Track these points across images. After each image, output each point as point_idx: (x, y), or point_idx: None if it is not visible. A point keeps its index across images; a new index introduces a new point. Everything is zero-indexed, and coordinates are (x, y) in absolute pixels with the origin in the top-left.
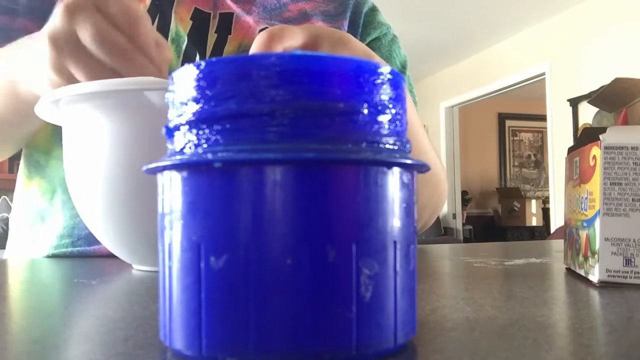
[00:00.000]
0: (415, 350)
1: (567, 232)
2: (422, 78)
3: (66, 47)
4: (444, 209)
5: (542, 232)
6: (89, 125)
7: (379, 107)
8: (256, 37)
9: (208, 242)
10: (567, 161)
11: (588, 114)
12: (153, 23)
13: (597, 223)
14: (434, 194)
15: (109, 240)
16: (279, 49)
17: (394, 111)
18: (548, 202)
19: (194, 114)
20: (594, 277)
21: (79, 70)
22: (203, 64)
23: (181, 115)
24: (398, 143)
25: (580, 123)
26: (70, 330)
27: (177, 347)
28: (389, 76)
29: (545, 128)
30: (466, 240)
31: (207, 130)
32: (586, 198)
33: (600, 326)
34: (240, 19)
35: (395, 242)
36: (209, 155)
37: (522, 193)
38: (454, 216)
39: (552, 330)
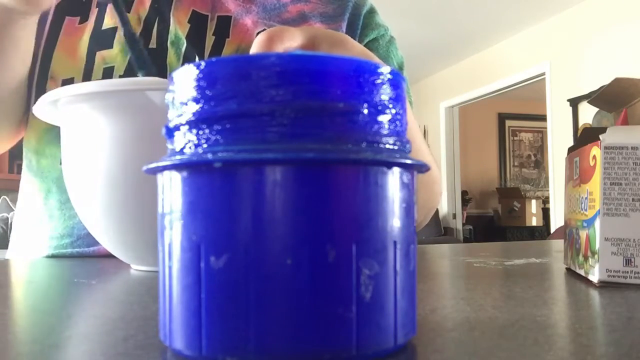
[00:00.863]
0: (415, 350)
1: (567, 232)
2: (422, 78)
3: None
4: (444, 209)
5: (542, 232)
6: (88, 125)
7: (379, 107)
8: (255, 38)
9: (208, 242)
10: (567, 161)
11: (588, 114)
12: (152, 27)
13: (597, 223)
14: (429, 195)
15: (108, 241)
16: (278, 50)
17: (394, 111)
18: (548, 202)
19: (194, 114)
20: (594, 277)
21: None
22: (203, 64)
23: (181, 115)
24: (398, 143)
25: (580, 123)
26: (70, 330)
27: (177, 347)
28: (389, 76)
29: (545, 128)
30: (466, 240)
31: (207, 130)
32: (586, 198)
33: (600, 326)
34: (238, 22)
35: (395, 242)
36: (209, 155)
37: (522, 193)
38: (454, 216)
39: (552, 330)
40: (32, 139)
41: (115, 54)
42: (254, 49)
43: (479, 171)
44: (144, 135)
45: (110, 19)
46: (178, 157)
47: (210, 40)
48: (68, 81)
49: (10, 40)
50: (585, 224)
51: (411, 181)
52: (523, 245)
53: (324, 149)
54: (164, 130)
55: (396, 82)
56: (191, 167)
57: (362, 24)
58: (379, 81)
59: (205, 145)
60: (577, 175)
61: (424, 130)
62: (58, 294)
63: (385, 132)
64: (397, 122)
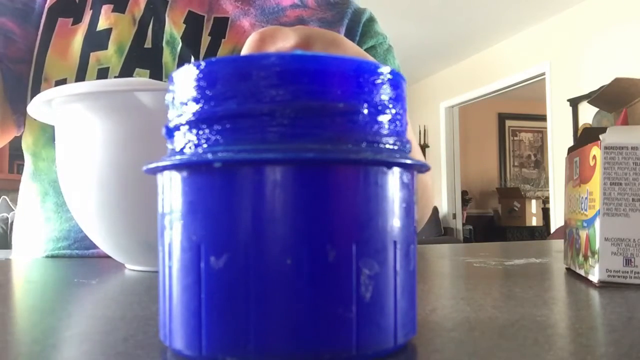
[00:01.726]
0: (415, 350)
1: (567, 232)
2: (422, 78)
3: None
4: (444, 209)
5: (542, 232)
6: (81, 125)
7: (379, 107)
8: (248, 37)
9: (208, 242)
10: (567, 161)
11: (588, 114)
12: (147, 26)
13: (597, 223)
14: (420, 200)
15: (101, 240)
16: (271, 49)
17: (394, 111)
18: (548, 202)
19: (194, 114)
20: (594, 277)
21: None
22: (203, 64)
23: (181, 115)
24: (398, 143)
25: (580, 123)
26: (70, 330)
27: (177, 347)
28: (389, 76)
29: (545, 128)
30: (466, 240)
31: (207, 130)
32: (586, 198)
33: (600, 326)
34: (235, 23)
35: (395, 242)
36: (209, 155)
37: (522, 193)
38: (454, 216)
39: (552, 330)
40: (29, 142)
41: (110, 54)
42: (246, 49)
43: (479, 171)
44: (136, 135)
45: (105, 20)
46: (178, 157)
47: (206, 40)
48: (61, 82)
49: None
50: (585, 224)
51: (411, 181)
52: (523, 245)
53: (324, 149)
54: (164, 130)
55: (396, 82)
56: (191, 167)
57: (361, 32)
58: (379, 81)
59: (205, 145)
60: (577, 175)
61: (424, 130)
62: (58, 294)
63: (385, 132)
64: (397, 122)
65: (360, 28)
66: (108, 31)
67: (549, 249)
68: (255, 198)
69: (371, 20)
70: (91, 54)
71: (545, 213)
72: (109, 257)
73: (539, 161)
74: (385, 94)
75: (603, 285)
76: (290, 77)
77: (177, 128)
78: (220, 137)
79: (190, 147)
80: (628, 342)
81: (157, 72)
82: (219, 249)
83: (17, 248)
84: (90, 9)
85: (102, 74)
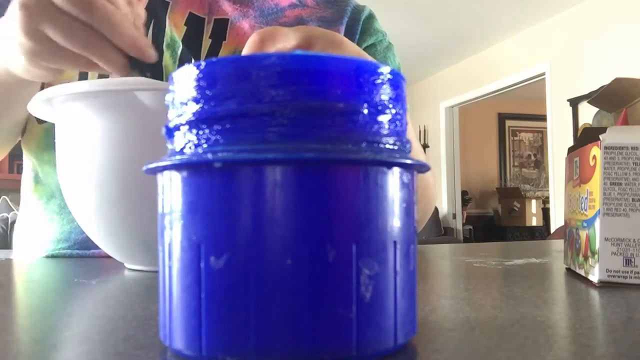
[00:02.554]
0: (415, 350)
1: (567, 232)
2: (422, 78)
3: (38, 8)
4: (444, 209)
5: (542, 232)
6: (81, 124)
7: (379, 107)
8: (249, 38)
9: (208, 242)
10: (567, 161)
11: (588, 114)
12: (147, 28)
13: (597, 223)
14: (421, 199)
15: (101, 239)
16: (271, 50)
17: (394, 111)
18: (548, 202)
19: (194, 114)
20: (594, 277)
21: (53, 29)
22: (203, 64)
23: (181, 115)
24: (398, 143)
25: (580, 123)
26: (70, 330)
27: (177, 347)
28: (389, 76)
29: (545, 128)
30: (466, 240)
31: (207, 130)
32: (586, 198)
33: (600, 326)
34: (235, 24)
35: (395, 242)
36: (209, 155)
37: (522, 193)
38: (454, 216)
39: (552, 330)
40: (32, 145)
41: None
42: (247, 50)
43: (479, 171)
44: (136, 134)
45: None
46: (178, 157)
47: (206, 43)
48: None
49: (16, 99)
50: (585, 224)
51: (411, 181)
52: (523, 245)
53: (324, 149)
54: (164, 130)
55: (396, 82)
56: (191, 167)
57: (360, 29)
58: (379, 81)
59: (205, 145)
60: (577, 175)
61: (424, 130)
62: (58, 294)
63: (385, 132)
64: (397, 122)
65: (360, 26)
66: None
67: (549, 249)
68: (255, 198)
69: (371, 17)
70: None
71: (545, 213)
72: (109, 257)
73: (539, 161)
74: (385, 94)
75: (603, 285)
76: (290, 77)
77: (177, 128)
78: (220, 137)
79: (190, 147)
80: (628, 342)
81: (158, 75)
82: (219, 249)
83: (18, 248)
84: None
85: (104, 77)
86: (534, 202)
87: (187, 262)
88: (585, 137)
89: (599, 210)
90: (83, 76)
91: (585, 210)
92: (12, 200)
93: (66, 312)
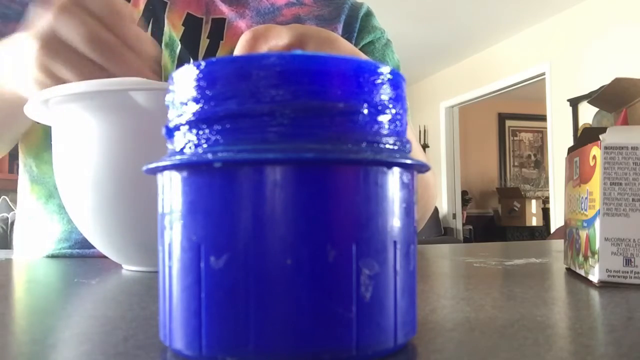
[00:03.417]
0: (415, 350)
1: (567, 232)
2: (422, 78)
3: (53, 47)
4: (444, 209)
5: (542, 232)
6: (77, 125)
7: (379, 107)
8: (241, 36)
9: (208, 242)
10: (567, 161)
11: (588, 114)
12: (147, 28)
13: (597, 223)
14: (421, 199)
15: (97, 240)
16: (263, 48)
17: (394, 111)
18: (548, 202)
19: (194, 114)
20: (594, 277)
21: (67, 69)
22: (203, 64)
23: (181, 115)
24: (398, 143)
25: (580, 123)
26: (70, 330)
27: (177, 347)
28: (389, 76)
29: (545, 128)
30: (466, 240)
31: (207, 130)
32: (586, 198)
33: (600, 326)
34: (232, 24)
35: (395, 242)
36: (209, 155)
37: (522, 193)
38: (454, 216)
39: (552, 330)
40: (31, 145)
41: None
42: (239, 48)
43: (479, 171)
44: (132, 135)
45: None
46: (178, 157)
47: (204, 43)
48: None
49: (21, 117)
50: (585, 224)
51: (411, 181)
52: (523, 245)
53: (324, 149)
54: (164, 130)
55: (396, 82)
56: (191, 167)
57: (359, 27)
58: (379, 81)
59: (205, 145)
60: (577, 175)
61: (424, 130)
62: (58, 294)
63: (385, 132)
64: (397, 122)
65: (359, 23)
66: None
67: (549, 249)
68: (255, 198)
69: (368, 14)
70: None
71: (545, 213)
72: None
73: (539, 161)
74: (385, 94)
75: (603, 285)
76: (290, 77)
77: (177, 128)
78: (220, 137)
79: (190, 147)
80: (628, 342)
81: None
82: (219, 249)
83: (18, 249)
84: None
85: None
86: (534, 202)
87: (187, 262)
88: (585, 137)
89: (599, 210)
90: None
91: (585, 210)
92: (12, 200)
93: (66, 312)
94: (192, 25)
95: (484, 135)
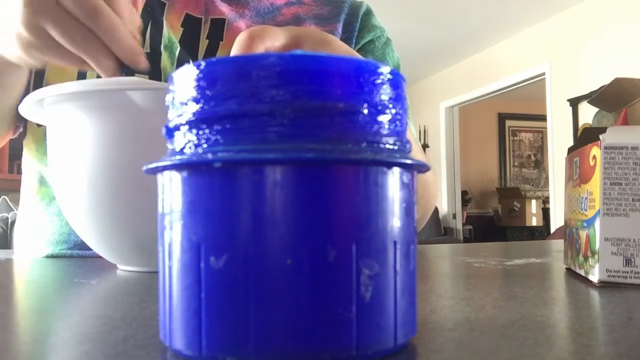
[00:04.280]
0: (415, 350)
1: (567, 232)
2: (422, 78)
3: (42, 4)
4: (444, 209)
5: (542, 232)
6: (72, 125)
7: (379, 107)
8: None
9: (208, 242)
10: (567, 161)
11: (588, 114)
12: (145, 30)
13: (597, 223)
14: (420, 198)
15: (92, 240)
16: (259, 49)
17: (394, 111)
18: (548, 202)
19: (194, 114)
20: (594, 277)
21: (54, 27)
22: (203, 64)
23: (181, 115)
24: (398, 143)
25: (580, 123)
26: (70, 330)
27: (177, 347)
28: (389, 76)
29: (545, 128)
30: (466, 240)
31: (207, 130)
32: (586, 198)
33: (600, 326)
34: (232, 24)
35: (395, 242)
36: (209, 155)
37: (522, 193)
38: (454, 216)
39: (552, 330)
40: (32, 146)
41: None
42: (235, 48)
43: (479, 171)
44: (127, 134)
45: None
46: (178, 157)
47: (204, 43)
48: None
49: (3, 82)
50: (585, 224)
51: (411, 181)
52: (523, 245)
53: (324, 149)
54: (164, 130)
55: (396, 82)
56: (191, 167)
57: (359, 26)
58: (379, 81)
59: (205, 145)
60: (577, 175)
61: (424, 130)
62: (58, 294)
63: (385, 132)
64: (397, 122)
65: (359, 22)
66: None
67: (549, 249)
68: (255, 198)
69: (368, 13)
70: None
71: (545, 213)
72: None
73: (539, 161)
74: (385, 94)
75: (603, 285)
76: (290, 77)
77: (177, 128)
78: (220, 137)
79: (190, 147)
80: (628, 342)
81: (156, 77)
82: (219, 249)
83: (18, 249)
84: None
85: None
86: (534, 202)
87: (187, 262)
88: (585, 137)
89: (599, 210)
90: (82, 76)
91: (585, 210)
92: (12, 200)
93: (66, 312)
94: (191, 26)
95: (484, 135)
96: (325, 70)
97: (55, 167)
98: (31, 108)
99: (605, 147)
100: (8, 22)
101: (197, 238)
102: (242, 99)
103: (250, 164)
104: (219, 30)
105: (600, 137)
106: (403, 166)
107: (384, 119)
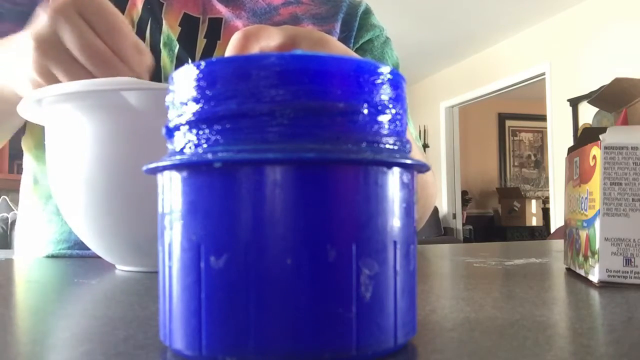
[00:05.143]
0: (415, 350)
1: (567, 232)
2: (422, 78)
3: (50, 49)
4: (444, 209)
5: (542, 232)
6: (70, 125)
7: (379, 107)
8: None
9: (208, 242)
10: (567, 161)
11: (588, 114)
12: (145, 28)
13: (597, 223)
14: (420, 198)
15: (90, 240)
16: (255, 49)
17: (394, 111)
18: (548, 202)
19: (194, 114)
20: (594, 277)
21: (61, 72)
22: (203, 64)
23: (181, 115)
24: (398, 143)
25: (580, 123)
26: (70, 330)
27: (177, 347)
28: (389, 76)
29: (545, 128)
30: (466, 240)
31: (207, 130)
32: (586, 198)
33: (600, 326)
34: (229, 24)
35: (395, 242)
36: (209, 155)
37: (522, 193)
38: (454, 216)
39: (552, 330)
40: (31, 145)
41: None
42: (230, 48)
43: (479, 171)
44: (125, 134)
45: None
46: (178, 157)
47: (201, 43)
48: None
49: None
50: (585, 224)
51: (411, 181)
52: (523, 245)
53: (324, 149)
54: (164, 130)
55: (396, 82)
56: (191, 167)
57: (358, 25)
58: (379, 81)
59: (205, 145)
60: (577, 175)
61: (424, 130)
62: (58, 294)
63: (385, 132)
64: (397, 122)
65: (357, 22)
66: None
67: (549, 249)
68: (255, 198)
69: (367, 12)
70: None
71: (545, 213)
72: None
73: (539, 161)
74: (385, 94)
75: (603, 285)
76: (290, 77)
77: (177, 128)
78: (220, 137)
79: (190, 147)
80: (628, 342)
81: (156, 74)
82: (219, 249)
83: (18, 249)
84: None
85: None
86: (534, 202)
87: (187, 262)
88: (585, 137)
89: (599, 210)
90: None
91: (585, 210)
92: (12, 200)
93: (66, 312)
94: (189, 25)
95: (484, 135)
96: (326, 70)
97: (53, 167)
98: (30, 108)
99: (605, 147)
100: (21, 63)
101: (197, 238)
102: (242, 99)
103: (250, 164)
104: (217, 29)
105: (600, 137)
106: (403, 166)
107: (384, 119)
